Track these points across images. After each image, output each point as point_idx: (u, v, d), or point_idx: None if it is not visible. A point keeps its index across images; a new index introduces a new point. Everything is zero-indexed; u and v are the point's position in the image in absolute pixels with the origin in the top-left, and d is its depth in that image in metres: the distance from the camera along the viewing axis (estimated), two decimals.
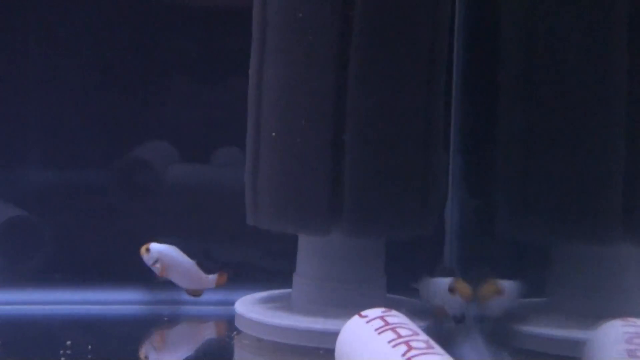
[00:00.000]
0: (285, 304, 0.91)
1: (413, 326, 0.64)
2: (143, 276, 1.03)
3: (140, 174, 1.09)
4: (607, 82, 0.83)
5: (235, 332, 0.90)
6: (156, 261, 0.91)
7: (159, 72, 1.09)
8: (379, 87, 0.83)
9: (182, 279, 0.93)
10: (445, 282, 0.85)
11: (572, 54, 0.84)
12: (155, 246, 0.92)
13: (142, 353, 0.83)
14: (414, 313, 0.81)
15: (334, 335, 0.69)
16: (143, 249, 0.92)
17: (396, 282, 0.93)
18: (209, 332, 0.98)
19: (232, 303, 0.93)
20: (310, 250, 0.90)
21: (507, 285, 0.85)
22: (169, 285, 0.98)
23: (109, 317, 1.01)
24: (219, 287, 0.96)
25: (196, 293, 0.94)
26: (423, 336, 0.61)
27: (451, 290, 0.83)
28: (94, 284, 1.05)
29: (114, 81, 1.08)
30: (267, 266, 1.07)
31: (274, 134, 0.85)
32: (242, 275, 1.03)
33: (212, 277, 0.94)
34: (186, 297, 0.99)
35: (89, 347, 0.83)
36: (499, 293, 0.83)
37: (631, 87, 0.83)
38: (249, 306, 0.91)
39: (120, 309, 1.03)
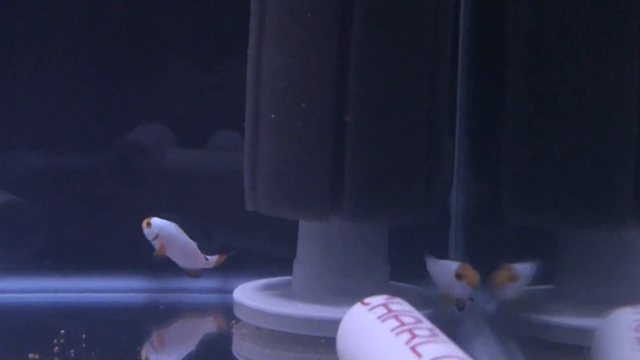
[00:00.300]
0: (285, 292, 0.91)
1: (417, 314, 0.64)
2: (139, 264, 1.04)
3: (135, 158, 1.09)
4: (619, 62, 0.83)
5: (233, 321, 0.90)
6: (156, 236, 0.91)
7: (155, 54, 1.09)
8: (381, 68, 0.83)
9: (181, 257, 0.93)
10: (452, 265, 0.84)
11: (583, 34, 0.84)
12: (156, 221, 0.92)
13: (143, 352, 0.83)
14: (418, 301, 0.81)
15: (335, 323, 0.69)
16: (144, 223, 0.92)
17: (399, 270, 0.93)
18: (206, 321, 0.98)
19: (231, 291, 0.93)
20: (310, 237, 0.90)
21: (522, 269, 0.84)
22: (166, 271, 0.99)
23: (103, 305, 1.01)
24: (218, 266, 0.95)
25: (195, 273, 0.94)
26: (427, 324, 0.61)
27: (458, 276, 0.82)
28: (87, 271, 1.05)
29: (108, 63, 1.07)
30: (266, 253, 1.07)
31: (273, 116, 0.85)
32: (241, 262, 1.03)
33: (212, 258, 0.94)
34: (183, 285, 0.99)
35: (84, 336, 0.83)
36: (514, 279, 0.83)
37: None
38: (248, 294, 0.91)
39: (115, 297, 1.03)
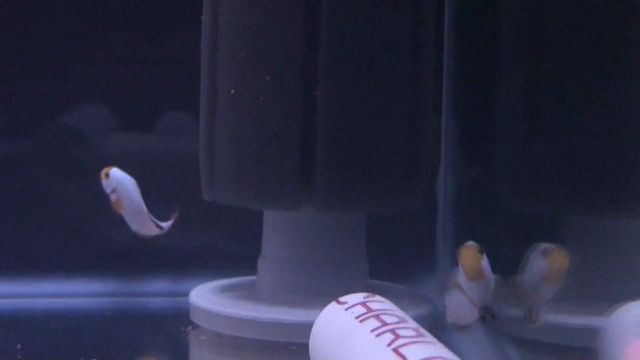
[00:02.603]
0: (249, 293, 0.93)
1: (400, 313, 0.65)
2: (79, 264, 1.04)
3: (70, 146, 1.09)
4: (626, 31, 0.85)
5: (190, 327, 0.92)
6: (114, 190, 0.92)
7: (90, 22, 1.09)
8: (356, 35, 0.84)
9: (131, 218, 0.94)
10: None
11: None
12: (115, 172, 0.92)
13: None
14: (402, 300, 0.82)
15: (307, 327, 0.70)
16: (103, 173, 0.92)
17: (380, 266, 0.94)
18: (158, 328, 0.98)
19: (186, 293, 0.94)
20: (277, 229, 0.91)
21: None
22: (111, 273, 0.99)
23: (39, 311, 1.02)
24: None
25: (144, 236, 0.94)
26: (412, 323, 0.63)
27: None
28: (19, 274, 1.06)
29: (35, 34, 1.07)
30: (226, 249, 1.08)
31: (232, 92, 0.86)
32: (198, 260, 1.04)
33: (166, 225, 0.94)
34: (131, 288, 1.00)
35: (18, 346, 0.85)
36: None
37: None
38: (207, 296, 0.92)
39: (53, 303, 1.04)
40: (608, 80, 0.85)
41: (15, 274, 1.06)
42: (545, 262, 0.75)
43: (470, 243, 0.74)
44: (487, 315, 0.75)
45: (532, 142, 0.89)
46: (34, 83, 1.07)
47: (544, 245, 0.76)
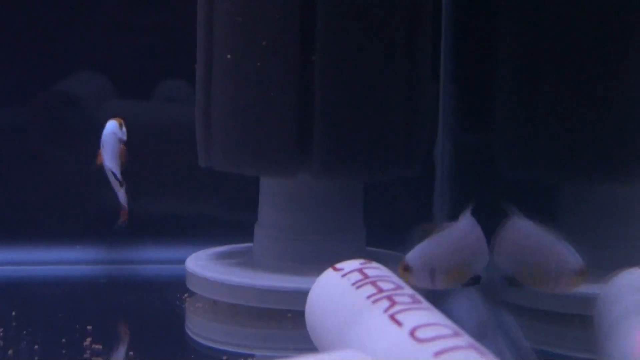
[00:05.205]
0: (245, 260, 0.93)
1: (396, 279, 0.65)
2: (75, 232, 1.04)
3: (67, 112, 1.09)
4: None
5: (186, 294, 0.92)
6: (102, 143, 0.93)
7: None
8: (354, 0, 0.84)
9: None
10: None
11: None
12: (109, 125, 0.93)
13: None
14: (397, 267, 0.83)
15: (303, 294, 0.70)
16: None
17: (377, 233, 0.94)
18: (154, 296, 0.99)
19: (182, 260, 0.94)
20: (274, 196, 0.91)
21: None
22: (107, 241, 1.00)
23: (35, 279, 1.02)
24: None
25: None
26: (408, 290, 0.63)
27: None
28: (15, 241, 1.06)
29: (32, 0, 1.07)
30: (223, 216, 1.08)
31: (229, 57, 0.86)
32: (194, 227, 1.04)
33: (121, 196, 0.94)
34: (127, 256, 1.01)
35: (13, 313, 0.85)
36: None
37: None
38: (203, 263, 0.92)
39: (48, 270, 1.05)
40: (609, 45, 0.85)
41: (11, 241, 1.06)
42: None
43: (404, 259, 0.76)
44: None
45: (531, 109, 0.89)
46: (30, 50, 1.07)
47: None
